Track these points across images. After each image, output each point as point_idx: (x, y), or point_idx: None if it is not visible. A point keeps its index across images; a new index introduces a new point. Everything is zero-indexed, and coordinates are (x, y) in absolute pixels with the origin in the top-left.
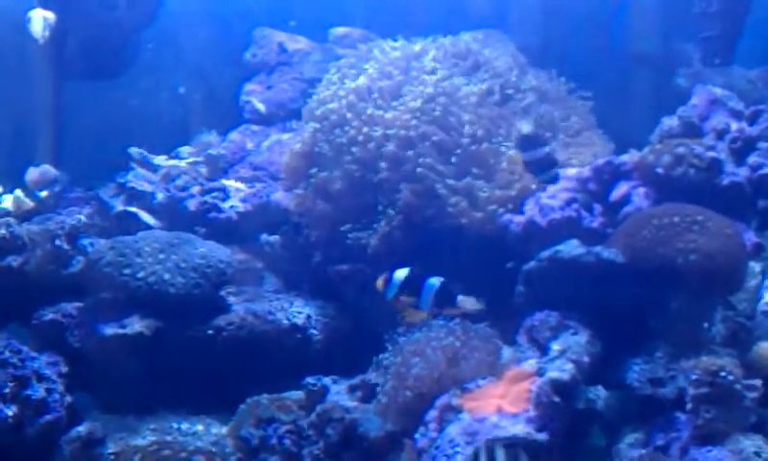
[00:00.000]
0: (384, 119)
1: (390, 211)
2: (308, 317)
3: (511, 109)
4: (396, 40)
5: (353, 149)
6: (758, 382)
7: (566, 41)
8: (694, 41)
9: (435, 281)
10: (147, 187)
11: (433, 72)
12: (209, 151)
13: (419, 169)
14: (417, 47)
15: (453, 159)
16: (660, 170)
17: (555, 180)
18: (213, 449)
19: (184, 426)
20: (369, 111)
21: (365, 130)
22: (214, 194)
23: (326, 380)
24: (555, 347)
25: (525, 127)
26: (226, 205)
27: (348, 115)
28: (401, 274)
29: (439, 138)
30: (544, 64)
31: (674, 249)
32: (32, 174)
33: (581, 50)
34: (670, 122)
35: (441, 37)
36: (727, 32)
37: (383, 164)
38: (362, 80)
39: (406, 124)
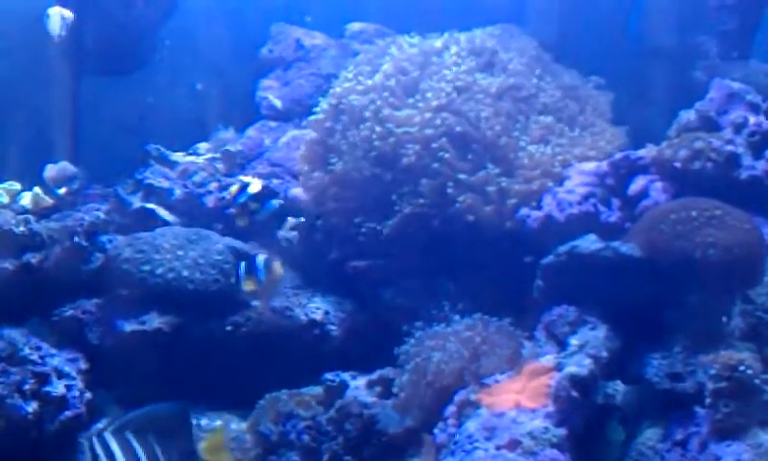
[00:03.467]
0: (401, 117)
1: (405, 207)
2: (326, 313)
3: (529, 103)
4: (411, 36)
5: (367, 144)
6: None
7: (583, 36)
8: (711, 35)
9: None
10: (165, 184)
11: (455, 66)
12: (227, 147)
13: (435, 165)
14: (437, 43)
15: (470, 156)
16: (677, 164)
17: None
18: (232, 445)
19: (204, 422)
20: (386, 112)
21: (378, 129)
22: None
23: (345, 376)
24: (573, 342)
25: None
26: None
27: (366, 114)
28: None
29: (461, 130)
30: (561, 59)
31: (692, 243)
32: (50, 171)
33: (598, 44)
34: (687, 116)
35: (456, 33)
36: (744, 25)
37: (404, 160)
38: (378, 77)
39: (427, 121)
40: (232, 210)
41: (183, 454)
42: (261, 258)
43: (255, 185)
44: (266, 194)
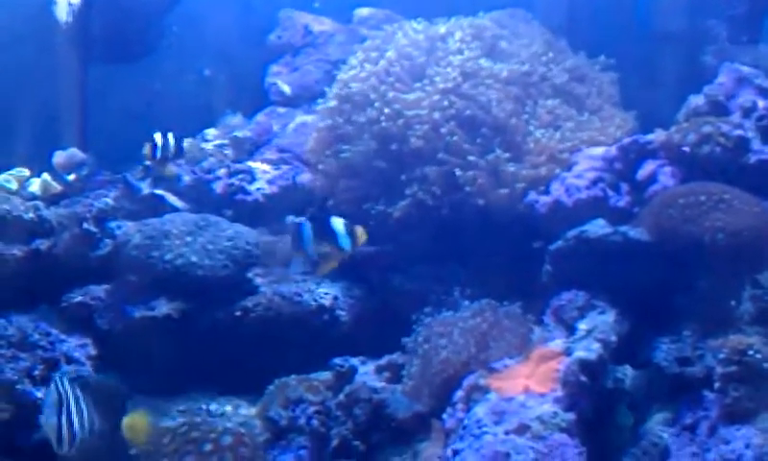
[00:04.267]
0: (409, 100)
1: (414, 191)
2: (335, 298)
3: (537, 87)
4: (417, 22)
5: (375, 128)
6: None
7: (592, 20)
8: (721, 19)
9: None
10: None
11: (460, 52)
12: (235, 133)
13: (440, 155)
14: (442, 29)
15: (478, 140)
16: (686, 149)
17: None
18: (242, 430)
19: (213, 408)
20: (390, 94)
21: (386, 110)
22: (240, 176)
23: (354, 361)
24: (582, 326)
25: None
26: (252, 187)
27: (373, 96)
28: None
29: (470, 114)
30: (569, 43)
31: (701, 227)
32: (59, 157)
33: (607, 28)
34: (696, 100)
35: (462, 18)
36: (754, 9)
37: (412, 141)
38: (383, 63)
39: (435, 105)
40: (152, 166)
41: (110, 423)
42: (340, 224)
43: (157, 136)
44: (167, 137)
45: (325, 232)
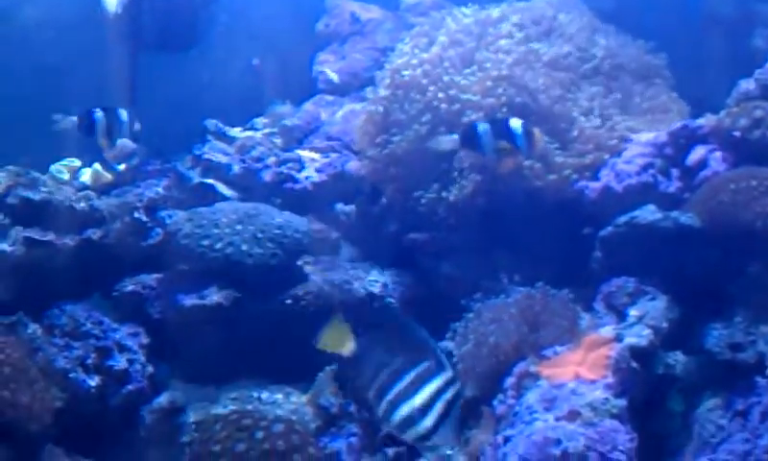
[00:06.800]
0: (460, 85)
1: (463, 180)
2: (385, 285)
3: (588, 74)
4: (468, 7)
5: (428, 116)
6: None
7: (642, 3)
8: None
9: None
10: (223, 159)
11: (510, 37)
12: (284, 122)
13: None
14: (495, 13)
15: None
16: (736, 133)
17: None
18: (293, 418)
19: (264, 395)
20: (446, 78)
21: (441, 95)
22: (289, 165)
23: None
24: (633, 313)
25: None
26: (301, 175)
27: (423, 82)
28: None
29: (520, 101)
30: (619, 27)
31: (752, 212)
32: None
33: (655, 12)
34: (747, 85)
35: (516, 3)
36: None
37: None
38: (435, 49)
39: (488, 91)
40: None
41: None
42: (518, 123)
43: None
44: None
45: (502, 132)
